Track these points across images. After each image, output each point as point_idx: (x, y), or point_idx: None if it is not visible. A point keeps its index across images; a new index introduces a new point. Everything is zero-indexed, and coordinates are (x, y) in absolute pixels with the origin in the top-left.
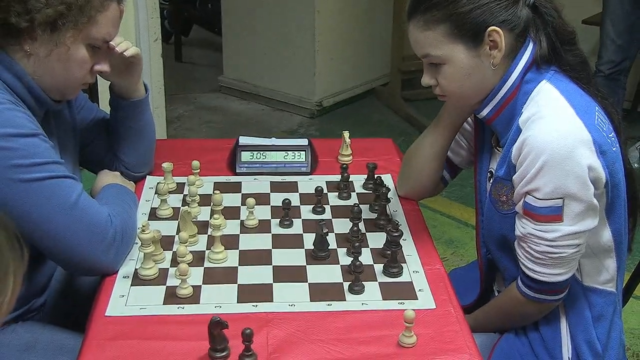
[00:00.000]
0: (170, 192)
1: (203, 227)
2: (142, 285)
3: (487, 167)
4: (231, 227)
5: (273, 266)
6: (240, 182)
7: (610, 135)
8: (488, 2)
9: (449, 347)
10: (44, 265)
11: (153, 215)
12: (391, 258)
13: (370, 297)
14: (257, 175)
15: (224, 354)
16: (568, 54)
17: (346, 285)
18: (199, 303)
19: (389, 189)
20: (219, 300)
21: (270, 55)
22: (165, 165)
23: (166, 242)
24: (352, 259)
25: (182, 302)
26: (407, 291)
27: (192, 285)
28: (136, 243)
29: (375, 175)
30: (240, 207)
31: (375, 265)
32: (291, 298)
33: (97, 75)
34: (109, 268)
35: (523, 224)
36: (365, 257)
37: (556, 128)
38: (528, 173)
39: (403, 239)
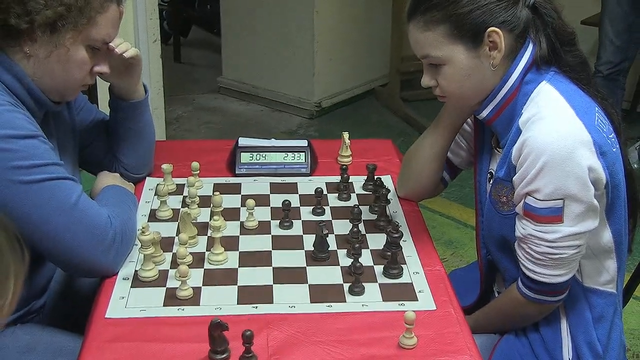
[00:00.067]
0: (169, 194)
1: (203, 228)
2: (142, 287)
3: (487, 168)
4: (231, 228)
5: (273, 267)
6: (240, 183)
7: (611, 136)
8: (488, 2)
9: (450, 348)
10: (44, 266)
11: (153, 216)
12: (391, 259)
13: (371, 299)
14: (257, 177)
15: (224, 355)
16: (568, 55)
17: (346, 286)
18: (199, 305)
19: (388, 190)
20: (219, 301)
21: (270, 56)
22: (164, 166)
23: (166, 244)
24: (352, 260)
25: (182, 303)
26: (407, 292)
27: (192, 287)
28: (136, 245)
29: (375, 176)
30: (240, 208)
31: (375, 266)
32: (291, 299)
33: (97, 77)
34: (109, 269)
35: (523, 225)
36: (366, 259)
37: (556, 129)
38: (528, 174)
39: (403, 240)
